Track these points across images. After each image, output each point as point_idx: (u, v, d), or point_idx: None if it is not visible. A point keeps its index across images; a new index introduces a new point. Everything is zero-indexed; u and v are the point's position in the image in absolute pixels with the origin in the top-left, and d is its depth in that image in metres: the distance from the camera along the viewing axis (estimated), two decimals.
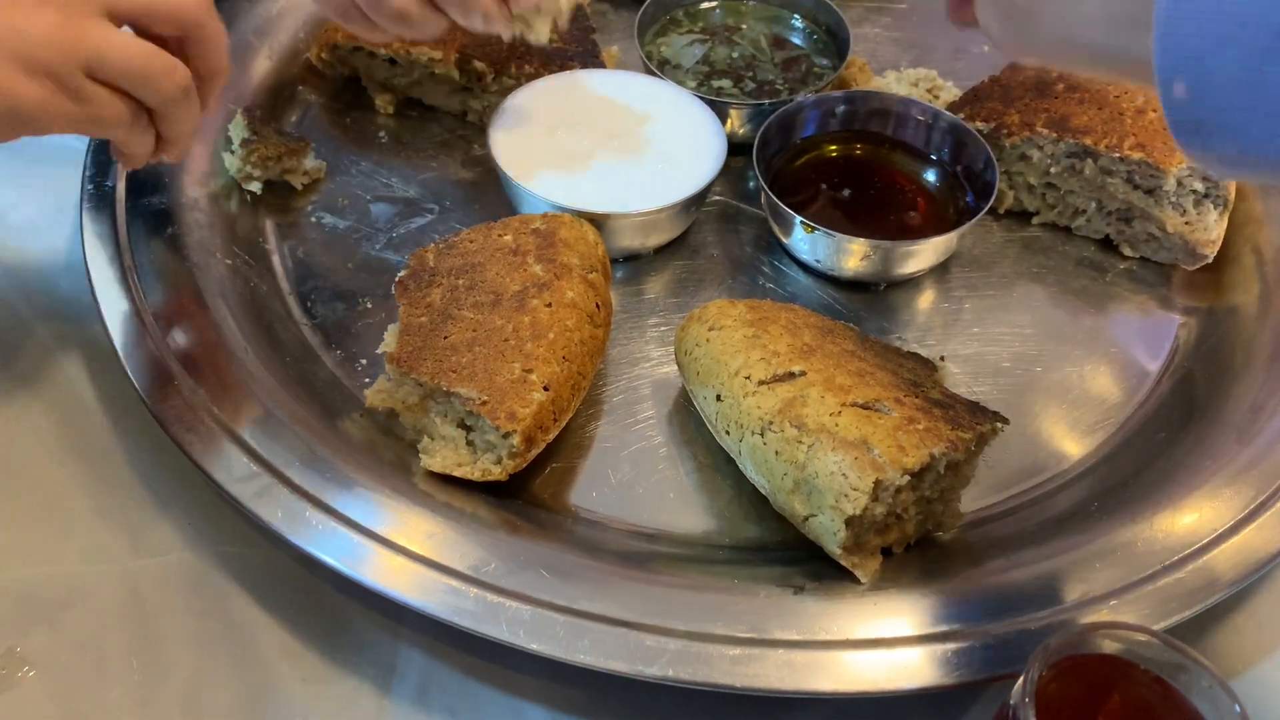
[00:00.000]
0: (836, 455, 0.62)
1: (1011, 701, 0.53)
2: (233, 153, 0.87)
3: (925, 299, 0.86)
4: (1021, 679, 0.52)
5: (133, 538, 0.70)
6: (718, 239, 0.89)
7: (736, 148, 0.89)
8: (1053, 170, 0.88)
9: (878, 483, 0.61)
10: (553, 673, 0.64)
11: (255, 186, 0.87)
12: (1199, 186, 0.84)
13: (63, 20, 0.61)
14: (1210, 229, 0.85)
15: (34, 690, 0.64)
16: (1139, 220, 0.87)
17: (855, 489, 0.61)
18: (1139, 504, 0.70)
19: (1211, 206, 0.85)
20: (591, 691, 0.65)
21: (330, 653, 0.66)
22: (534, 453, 0.69)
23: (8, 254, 0.85)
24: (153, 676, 0.65)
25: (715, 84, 0.95)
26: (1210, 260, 0.85)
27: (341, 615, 0.68)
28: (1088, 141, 0.85)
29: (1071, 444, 0.77)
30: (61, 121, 0.63)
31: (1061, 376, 0.81)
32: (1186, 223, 0.85)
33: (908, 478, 0.62)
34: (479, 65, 0.92)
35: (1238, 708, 0.50)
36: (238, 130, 0.87)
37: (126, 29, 0.65)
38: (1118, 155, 0.84)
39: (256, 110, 0.90)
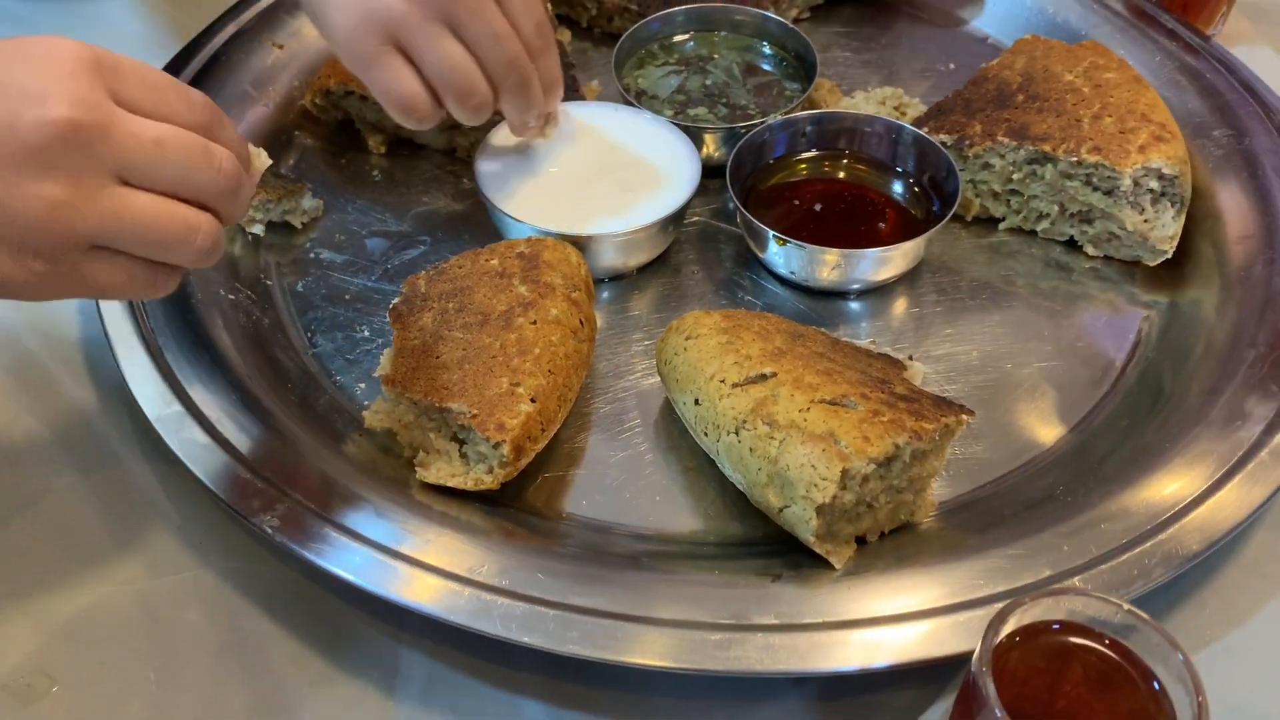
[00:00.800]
0: (806, 448, 0.66)
1: (972, 669, 0.56)
2: None
3: (898, 305, 0.90)
4: (979, 647, 0.55)
5: (146, 558, 0.74)
6: (698, 257, 0.93)
7: (713, 170, 0.94)
8: (1015, 176, 0.92)
9: (844, 471, 0.64)
10: (549, 669, 0.68)
11: (258, 229, 0.92)
12: (1155, 186, 0.88)
13: (67, 196, 0.53)
14: (1168, 226, 0.88)
15: (59, 705, 0.67)
16: (1100, 220, 0.90)
17: (824, 479, 0.64)
18: (1105, 487, 0.73)
19: (1169, 204, 0.89)
20: (586, 685, 0.68)
21: (336, 658, 0.70)
22: (524, 462, 0.73)
23: None
24: (169, 688, 0.68)
25: (691, 112, 0.99)
26: (1170, 255, 0.89)
27: (345, 623, 0.71)
28: (1046, 148, 0.89)
29: (1040, 434, 0.80)
30: (59, 294, 0.57)
31: (1031, 372, 0.84)
32: (1145, 220, 0.88)
33: (873, 466, 0.65)
34: None
35: (1180, 656, 0.53)
36: None
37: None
38: (1075, 159, 0.88)
39: None
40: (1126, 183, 0.88)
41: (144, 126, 0.55)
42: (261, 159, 0.67)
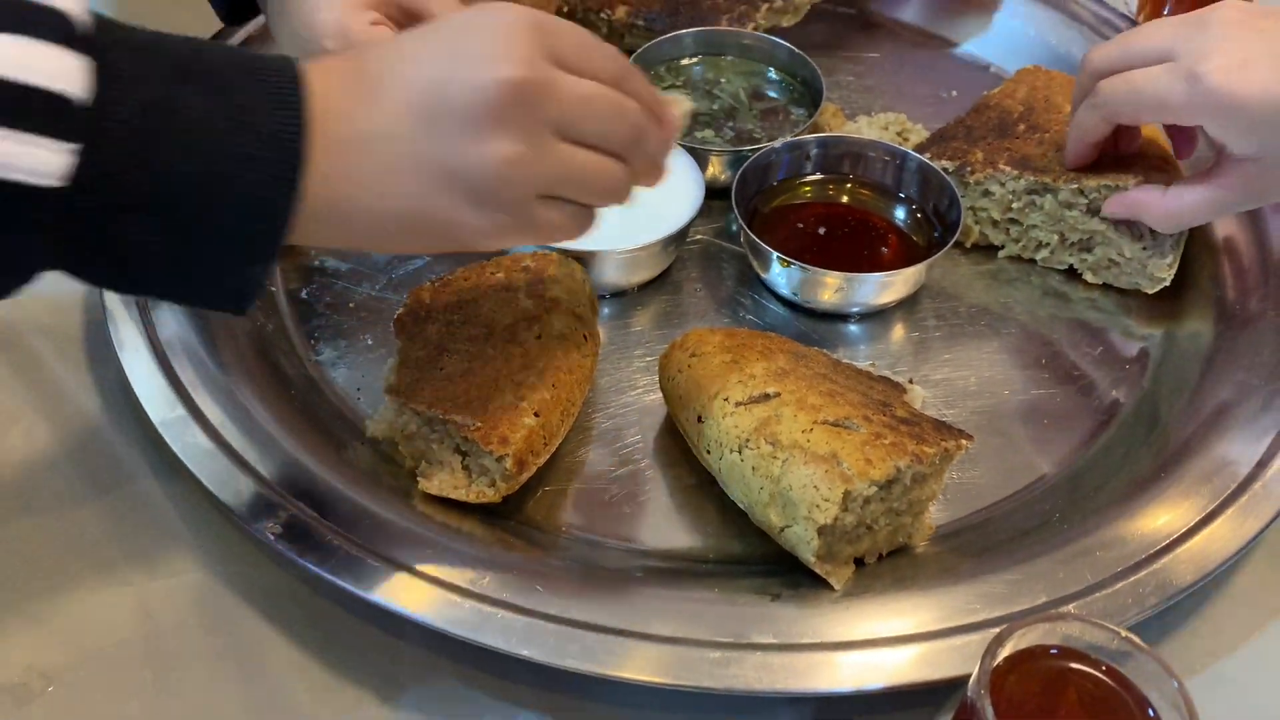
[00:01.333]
0: (808, 469, 0.66)
1: (969, 694, 0.56)
2: None
3: (898, 329, 0.90)
4: (976, 671, 0.55)
5: (145, 561, 0.74)
6: (701, 276, 0.94)
7: (718, 192, 0.94)
8: (1014, 205, 0.93)
9: (847, 493, 0.65)
10: (545, 680, 0.68)
11: None
12: None
13: (521, 151, 0.57)
14: (1167, 254, 0.89)
15: (54, 706, 0.67)
16: (1100, 247, 0.92)
17: (826, 500, 0.65)
18: (1101, 515, 0.74)
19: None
20: (583, 698, 0.68)
21: (334, 665, 0.70)
22: (526, 475, 0.73)
23: (24, 293, 0.90)
24: (165, 691, 0.68)
25: (698, 135, 1.00)
26: (1168, 283, 0.90)
27: (344, 631, 0.71)
28: (1047, 179, 0.90)
29: (1037, 462, 0.81)
30: (514, 240, 0.63)
31: (1028, 399, 0.85)
32: (1144, 248, 0.89)
33: (875, 488, 0.66)
34: None
35: (1175, 683, 0.53)
36: None
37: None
38: (1076, 186, 0.89)
39: None
40: None
41: (576, 84, 0.59)
42: (682, 105, 0.71)
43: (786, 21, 1.10)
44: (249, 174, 0.52)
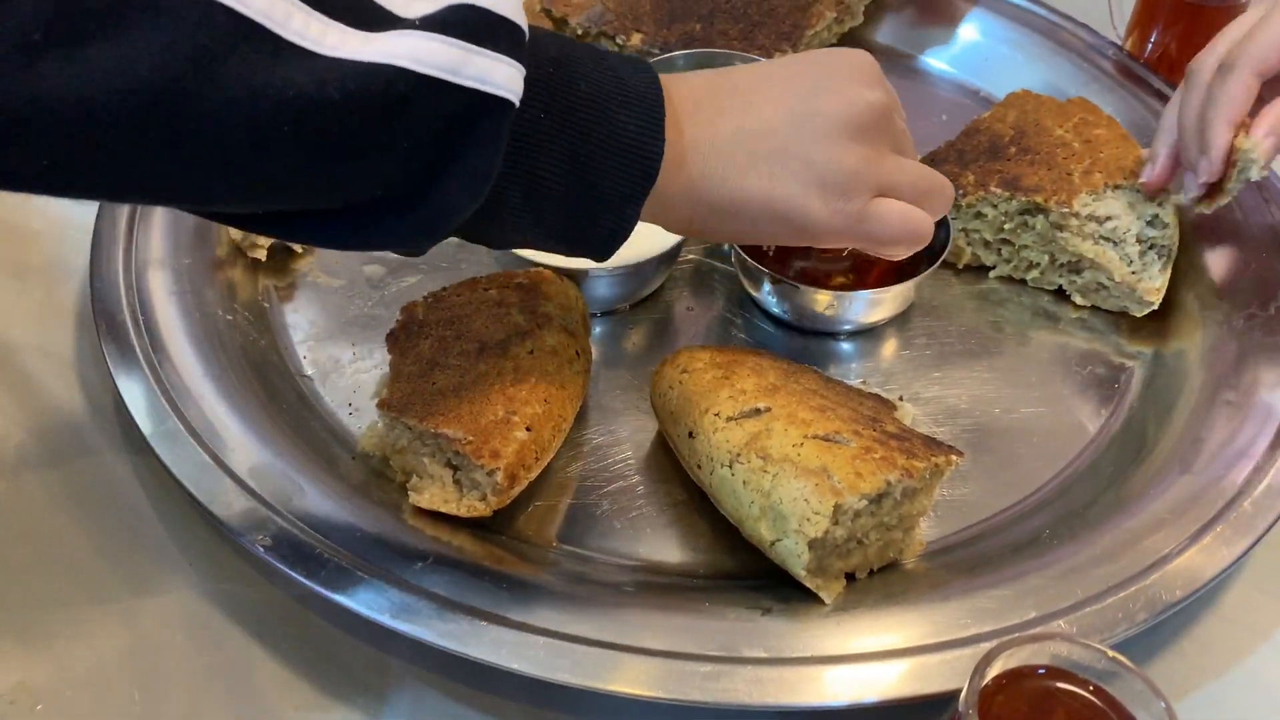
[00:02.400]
0: (799, 482, 0.66)
1: (959, 709, 0.56)
2: None
3: (888, 347, 0.91)
4: (965, 689, 0.55)
5: (134, 578, 0.74)
6: (692, 294, 0.94)
7: None
8: (1006, 226, 0.94)
9: (837, 506, 0.65)
10: (537, 696, 0.68)
11: (260, 254, 0.93)
12: (1146, 235, 0.90)
13: (870, 155, 0.69)
14: (1155, 278, 0.90)
15: None
16: (1089, 271, 0.92)
17: (817, 513, 0.65)
18: (1090, 531, 0.74)
19: (1156, 257, 0.91)
20: (573, 713, 0.68)
21: (322, 683, 0.69)
22: (517, 490, 0.73)
23: (14, 310, 0.90)
24: (153, 709, 0.68)
25: None
26: (1156, 307, 0.91)
27: (333, 648, 0.71)
28: (1039, 199, 0.91)
29: (1027, 479, 0.81)
30: (848, 234, 0.70)
31: (1019, 417, 0.86)
32: (1133, 272, 0.90)
33: (865, 502, 0.66)
34: None
35: (1162, 703, 0.53)
36: None
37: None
38: (1067, 210, 0.90)
39: None
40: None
41: (901, 114, 0.74)
42: None
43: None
44: (627, 117, 0.62)
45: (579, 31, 1.12)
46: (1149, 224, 0.91)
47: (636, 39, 1.11)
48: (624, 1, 1.13)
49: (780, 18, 1.12)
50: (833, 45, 1.16)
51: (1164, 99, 1.07)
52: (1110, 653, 0.56)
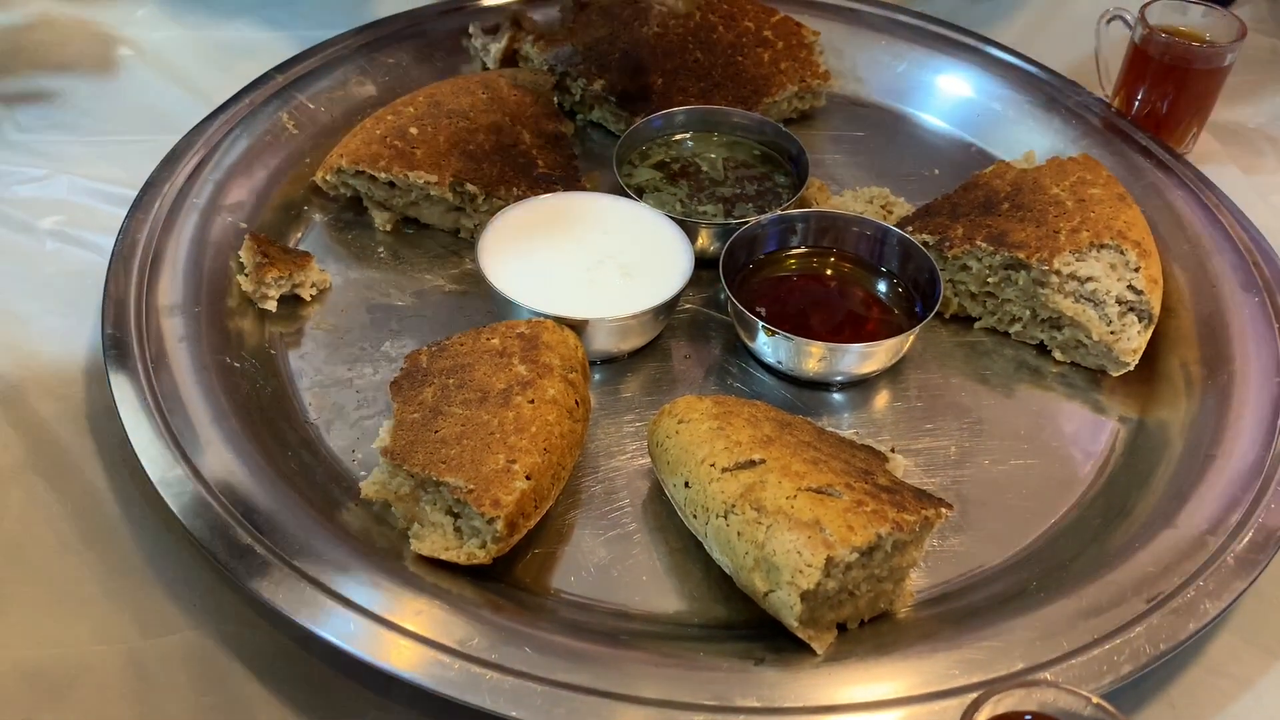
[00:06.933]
0: (792, 534, 0.68)
1: None
2: (245, 275, 0.95)
3: (880, 398, 0.93)
4: None
5: (139, 619, 0.75)
6: (689, 343, 0.96)
7: (706, 262, 0.97)
8: (990, 280, 0.96)
9: (829, 559, 0.67)
10: None
11: (270, 305, 0.94)
12: (1125, 298, 0.92)
13: None
14: (1133, 339, 0.92)
15: None
16: (1068, 328, 0.94)
17: (809, 565, 0.67)
18: (1075, 584, 0.76)
19: (1135, 319, 0.93)
20: None
21: None
22: (516, 538, 0.75)
23: (28, 356, 0.92)
24: None
25: (686, 207, 1.03)
26: (1132, 368, 0.93)
27: (333, 690, 0.72)
28: (1021, 255, 0.94)
29: (1015, 531, 0.83)
30: None
31: (1007, 469, 0.88)
32: (1111, 331, 0.92)
33: (857, 555, 0.68)
34: (471, 187, 1.00)
35: None
36: (249, 255, 0.95)
37: None
38: (1046, 268, 0.93)
39: (261, 233, 0.98)
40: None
41: None
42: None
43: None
44: None
45: (545, 68, 1.15)
46: (1129, 287, 0.93)
47: (598, 84, 1.13)
48: (594, 47, 1.16)
49: (742, 83, 1.15)
50: (792, 120, 1.19)
51: (1151, 155, 1.10)
52: (1096, 699, 0.58)
